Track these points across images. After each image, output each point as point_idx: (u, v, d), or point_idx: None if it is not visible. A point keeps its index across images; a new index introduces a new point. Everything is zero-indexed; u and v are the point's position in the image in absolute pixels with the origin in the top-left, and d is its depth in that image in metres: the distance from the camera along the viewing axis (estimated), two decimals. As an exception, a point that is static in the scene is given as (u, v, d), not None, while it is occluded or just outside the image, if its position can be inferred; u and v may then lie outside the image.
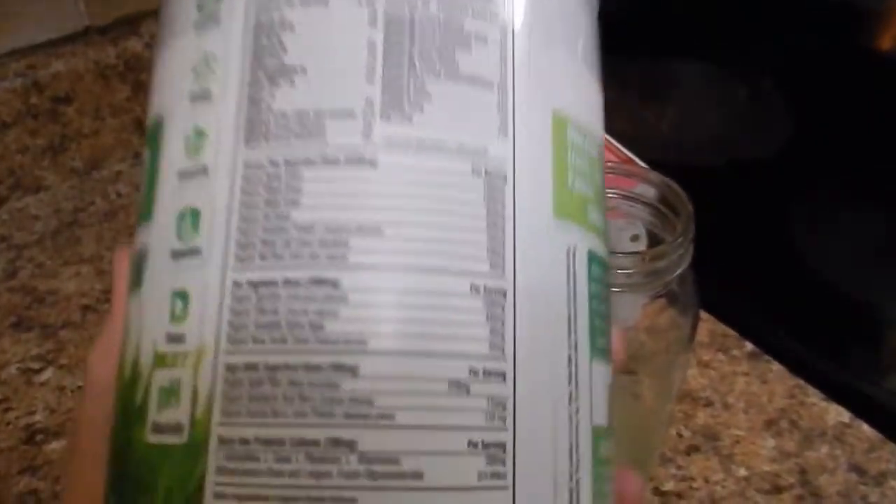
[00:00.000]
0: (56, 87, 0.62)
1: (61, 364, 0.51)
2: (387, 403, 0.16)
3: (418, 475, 0.15)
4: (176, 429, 0.16)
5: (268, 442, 0.15)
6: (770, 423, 0.47)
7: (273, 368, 0.16)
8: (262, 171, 0.17)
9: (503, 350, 0.17)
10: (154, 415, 0.17)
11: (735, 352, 0.51)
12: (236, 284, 0.16)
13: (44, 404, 0.48)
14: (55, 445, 0.46)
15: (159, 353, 0.17)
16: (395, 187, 0.17)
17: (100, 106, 0.65)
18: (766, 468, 0.44)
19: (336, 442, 0.15)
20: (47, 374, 0.50)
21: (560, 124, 0.19)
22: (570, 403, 0.18)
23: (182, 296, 0.17)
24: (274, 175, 0.17)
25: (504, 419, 0.16)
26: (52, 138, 0.64)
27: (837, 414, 0.47)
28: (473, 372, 0.16)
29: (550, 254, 0.18)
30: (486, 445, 0.16)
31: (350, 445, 0.15)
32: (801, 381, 0.49)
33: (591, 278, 0.19)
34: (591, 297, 0.19)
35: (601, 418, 0.19)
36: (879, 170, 0.58)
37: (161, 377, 0.17)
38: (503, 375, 0.16)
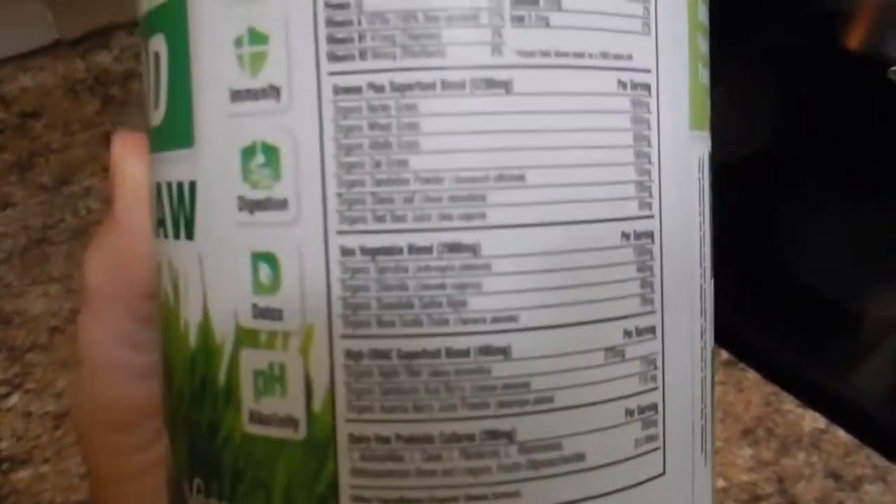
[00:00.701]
0: (24, 102, 0.61)
1: (28, 389, 0.49)
2: (544, 385, 0.14)
3: (581, 457, 0.14)
4: (287, 422, 0.14)
5: (412, 440, 0.13)
6: (747, 432, 0.46)
7: (410, 356, 0.13)
8: (360, 98, 0.13)
9: (653, 302, 0.15)
10: (251, 402, 0.14)
11: (711, 360, 0.50)
12: (346, 251, 0.13)
13: (10, 431, 0.46)
14: (22, 474, 0.44)
15: (245, 329, 0.14)
16: (535, 118, 0.14)
17: (69, 120, 0.63)
18: (745, 478, 0.44)
19: (493, 434, 0.13)
20: (13, 399, 0.48)
21: (693, 5, 0.16)
22: (702, 338, 0.16)
23: (268, 260, 0.14)
24: (379, 105, 0.13)
25: (655, 377, 0.15)
26: (20, 153, 0.61)
27: (813, 420, 0.47)
28: (628, 333, 0.14)
29: (686, 175, 0.16)
30: (641, 410, 0.15)
31: (509, 436, 0.14)
32: (777, 388, 0.49)
33: (710, 187, 0.17)
34: (711, 209, 0.17)
35: (713, 340, 0.17)
36: (859, 172, 0.58)
37: (254, 358, 0.14)
38: (654, 330, 0.15)
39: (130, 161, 0.18)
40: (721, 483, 0.44)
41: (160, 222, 0.16)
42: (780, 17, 0.63)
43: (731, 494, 0.43)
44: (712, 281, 0.17)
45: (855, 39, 0.65)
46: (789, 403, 0.48)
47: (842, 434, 0.46)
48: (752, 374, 0.49)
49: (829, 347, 0.53)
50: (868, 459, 0.45)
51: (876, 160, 0.56)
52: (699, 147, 0.16)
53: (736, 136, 0.65)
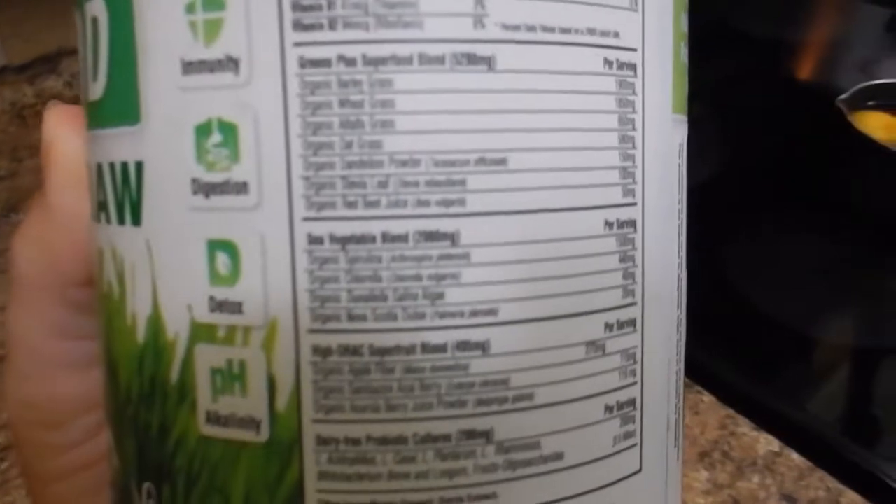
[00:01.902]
0: (-30, 128, 0.59)
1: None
2: (524, 382, 0.13)
3: (559, 456, 0.13)
4: (248, 423, 0.13)
5: (385, 441, 0.12)
6: (703, 455, 0.46)
7: (382, 352, 0.12)
8: (329, 72, 0.12)
9: (634, 294, 0.14)
10: (207, 402, 0.13)
11: (666, 384, 0.50)
12: (313, 239, 0.12)
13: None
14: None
15: (201, 323, 0.13)
16: (518, 97, 0.13)
17: (17, 147, 0.61)
18: (701, 501, 0.43)
19: (470, 434, 0.13)
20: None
21: None
22: (678, 330, 0.15)
23: (226, 248, 0.13)
24: (350, 80, 0.12)
25: (634, 372, 0.14)
26: (-34, 181, 0.60)
27: (767, 443, 0.47)
28: (609, 327, 0.14)
29: (669, 161, 0.15)
30: (620, 406, 0.14)
31: (486, 435, 0.13)
32: (732, 412, 0.48)
33: (686, 174, 0.16)
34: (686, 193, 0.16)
35: (685, 332, 0.16)
36: (806, 196, 0.59)
37: (211, 355, 0.13)
38: (634, 323, 0.14)
39: (65, 137, 0.16)
40: (678, 507, 0.43)
41: (101, 205, 0.15)
42: (730, 49, 0.64)
43: (688, 518, 0.43)
44: (686, 271, 0.17)
45: (805, 70, 0.66)
46: (744, 426, 0.47)
47: (795, 457, 0.46)
48: (707, 398, 0.49)
49: (782, 372, 0.53)
50: (821, 482, 0.44)
51: (826, 188, 0.57)
52: (680, 132, 0.16)
53: (687, 165, 0.66)
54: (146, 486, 0.14)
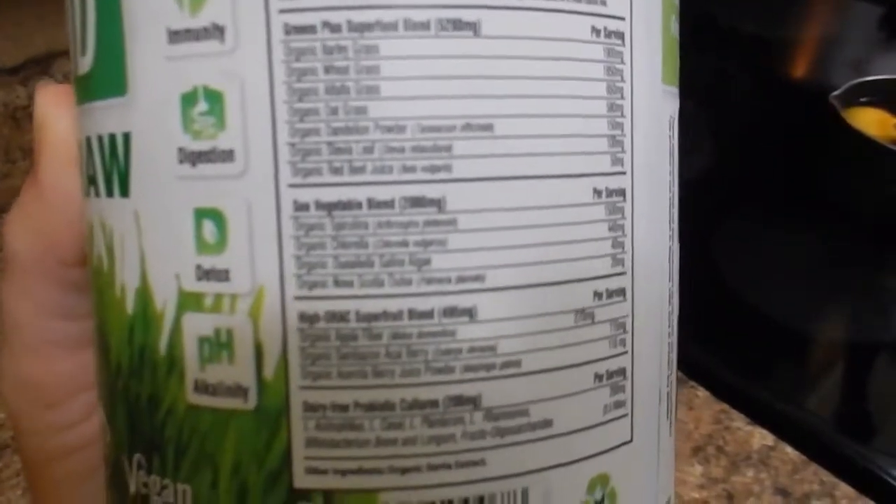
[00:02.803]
0: (-37, 129, 0.59)
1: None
2: (512, 348, 0.13)
3: (548, 423, 0.13)
4: (236, 391, 0.13)
5: (372, 407, 0.12)
6: (697, 450, 0.46)
7: (369, 318, 0.12)
8: (314, 38, 0.12)
9: (624, 263, 0.14)
10: (196, 371, 0.13)
11: (661, 380, 0.50)
12: (300, 206, 0.12)
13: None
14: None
15: (189, 292, 0.13)
16: (504, 63, 0.13)
17: (10, 148, 0.61)
18: (695, 495, 0.43)
19: (458, 400, 0.13)
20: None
21: None
22: (670, 302, 0.15)
23: (213, 216, 0.13)
24: (335, 46, 0.12)
25: (624, 341, 0.14)
26: (-41, 181, 0.60)
27: (762, 437, 0.47)
28: (598, 295, 0.14)
29: (659, 131, 0.15)
30: (610, 375, 0.14)
31: (474, 402, 0.13)
32: (727, 406, 0.48)
33: (678, 147, 0.16)
34: (678, 166, 0.16)
35: (678, 305, 0.16)
36: (800, 192, 0.59)
37: (198, 323, 0.13)
38: (624, 292, 0.14)
39: (57, 115, 0.16)
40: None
41: (91, 180, 0.15)
42: (722, 46, 0.64)
43: (682, 512, 0.43)
44: (678, 244, 0.17)
45: (798, 67, 0.66)
46: (739, 421, 0.48)
47: (790, 451, 0.46)
48: (702, 392, 0.49)
49: (777, 367, 0.53)
50: (815, 475, 0.44)
51: (819, 185, 0.57)
52: (671, 103, 0.16)
53: (680, 161, 0.66)
54: (137, 457, 0.14)
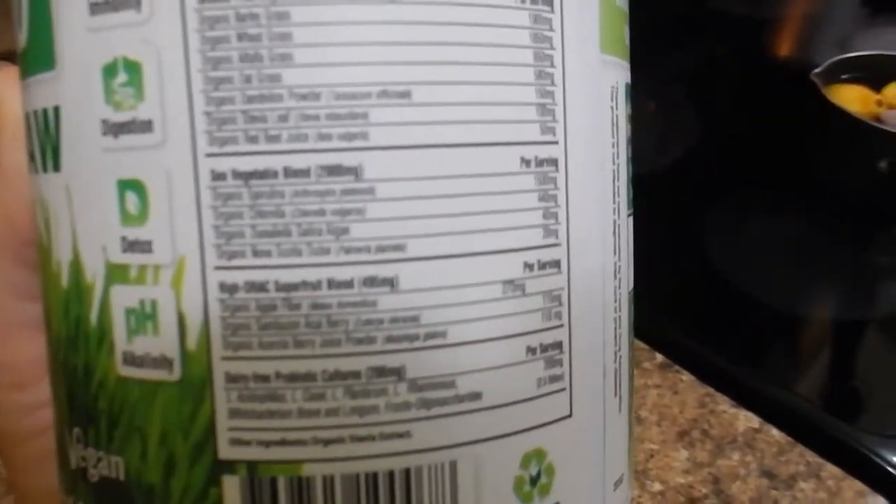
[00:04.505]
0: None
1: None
2: (435, 319, 0.13)
3: (476, 396, 0.13)
4: (161, 363, 0.13)
5: (293, 378, 0.12)
6: (682, 434, 0.46)
7: (288, 288, 0.12)
8: (227, 6, 0.12)
9: (557, 234, 0.14)
10: (123, 343, 0.13)
11: (646, 364, 0.50)
12: (217, 175, 0.12)
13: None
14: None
15: (115, 264, 0.13)
16: (422, 29, 0.12)
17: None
18: (681, 480, 0.43)
19: (381, 371, 0.13)
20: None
21: None
22: (615, 277, 0.15)
23: (135, 187, 0.13)
24: (248, 14, 0.12)
25: (560, 314, 0.14)
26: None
27: (747, 420, 0.47)
28: (528, 266, 0.13)
29: (597, 101, 0.15)
30: (543, 348, 0.14)
31: (398, 373, 0.13)
32: (711, 390, 0.48)
33: (627, 118, 0.16)
34: (628, 141, 0.16)
35: (632, 280, 0.16)
36: (786, 172, 0.59)
37: (124, 295, 0.13)
38: (558, 264, 0.14)
39: (12, 96, 0.16)
40: (657, 486, 0.43)
41: (31, 156, 0.15)
42: (709, 29, 0.64)
43: (667, 497, 0.42)
44: (630, 219, 0.16)
45: (783, 47, 0.66)
46: (724, 404, 0.47)
47: (775, 433, 0.46)
48: (686, 376, 0.49)
49: (762, 349, 0.53)
50: (801, 457, 0.44)
51: (804, 165, 0.57)
52: (612, 73, 0.15)
53: (664, 145, 0.66)
54: (76, 430, 0.14)
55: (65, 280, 0.14)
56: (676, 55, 0.64)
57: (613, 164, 0.15)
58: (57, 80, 0.13)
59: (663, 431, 0.46)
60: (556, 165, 0.14)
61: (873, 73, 0.55)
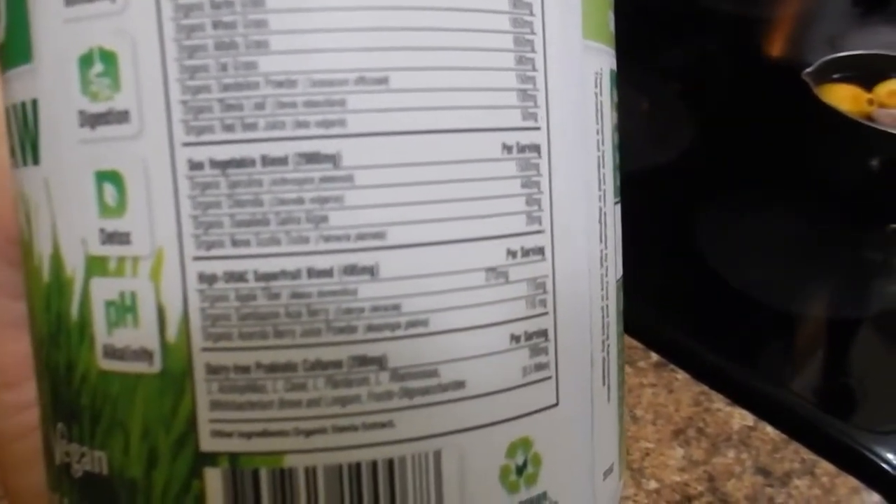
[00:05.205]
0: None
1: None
2: (417, 307, 0.13)
3: (460, 385, 0.13)
4: (141, 355, 0.13)
5: (274, 368, 0.12)
6: (678, 433, 0.46)
7: (267, 277, 0.12)
8: None
9: (541, 221, 0.14)
10: (104, 336, 0.13)
11: (641, 363, 0.50)
12: (194, 165, 0.12)
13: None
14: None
15: (94, 257, 0.13)
16: (398, 15, 0.12)
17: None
18: (676, 478, 0.43)
19: (362, 360, 0.12)
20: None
21: None
22: (601, 265, 0.15)
23: (113, 179, 0.13)
24: (223, 2, 0.12)
25: (545, 302, 0.14)
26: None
27: (742, 418, 0.46)
28: (511, 253, 0.13)
29: (580, 87, 0.14)
30: (528, 336, 0.14)
31: (379, 362, 0.12)
32: (706, 388, 0.48)
33: (613, 106, 0.16)
34: (614, 128, 0.16)
35: (620, 268, 0.16)
36: (779, 171, 0.59)
37: (103, 288, 0.13)
38: (542, 251, 0.14)
39: None
40: (653, 484, 0.43)
41: (12, 151, 0.15)
42: (701, 28, 0.64)
43: (663, 495, 0.42)
44: (618, 207, 0.16)
45: (775, 46, 0.66)
46: (718, 402, 0.47)
47: (770, 430, 0.46)
48: (681, 375, 0.49)
49: (757, 347, 0.53)
50: (796, 454, 0.44)
51: (797, 163, 0.57)
52: (596, 59, 0.15)
53: (658, 144, 0.66)
54: (59, 426, 0.14)
55: (46, 274, 0.14)
56: (669, 54, 0.64)
57: (598, 150, 0.15)
58: (34, 72, 0.13)
59: (658, 430, 0.46)
60: (539, 152, 0.14)
61: (864, 73, 0.55)
